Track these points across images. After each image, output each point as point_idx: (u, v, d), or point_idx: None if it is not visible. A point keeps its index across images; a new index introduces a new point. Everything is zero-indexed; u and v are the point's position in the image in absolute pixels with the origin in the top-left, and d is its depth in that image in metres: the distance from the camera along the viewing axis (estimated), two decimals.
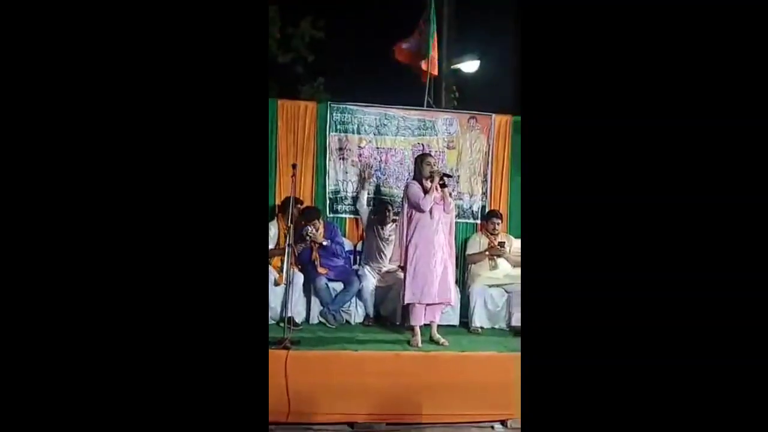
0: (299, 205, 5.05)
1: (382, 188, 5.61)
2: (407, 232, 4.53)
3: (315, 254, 5.06)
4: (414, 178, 4.65)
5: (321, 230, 5.09)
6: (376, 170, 5.60)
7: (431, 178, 4.49)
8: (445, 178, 4.55)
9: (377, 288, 5.17)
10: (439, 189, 4.49)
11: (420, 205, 4.46)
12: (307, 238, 4.97)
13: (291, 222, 4.57)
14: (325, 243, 5.05)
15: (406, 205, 4.56)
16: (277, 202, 5.29)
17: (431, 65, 5.91)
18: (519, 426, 3.88)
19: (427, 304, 4.50)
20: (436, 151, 5.53)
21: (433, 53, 5.92)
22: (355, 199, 5.50)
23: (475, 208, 5.75)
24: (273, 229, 5.07)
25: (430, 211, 4.48)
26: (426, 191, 4.46)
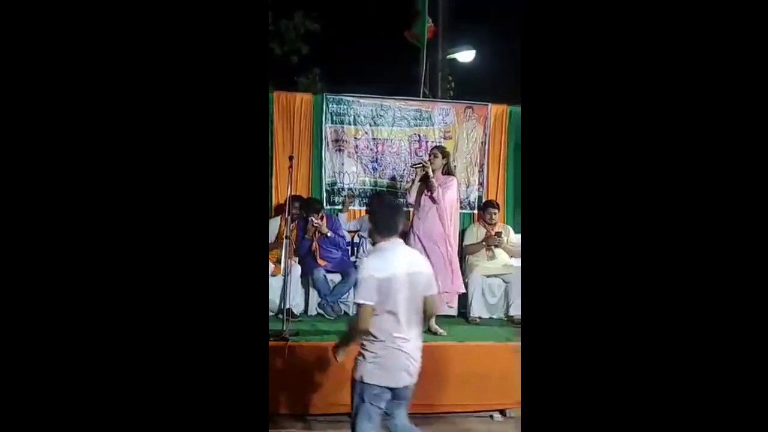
0: (297, 203, 5.06)
1: (379, 180, 5.61)
2: (410, 222, 4.69)
3: (315, 245, 5.06)
4: None
5: (324, 221, 5.10)
6: (372, 161, 5.60)
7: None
8: (426, 168, 4.54)
9: None
10: (417, 181, 4.56)
11: (406, 198, 4.74)
12: (313, 227, 4.97)
13: (289, 214, 4.57)
14: (329, 234, 5.06)
15: None
16: (274, 192, 5.29)
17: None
18: (518, 415, 3.92)
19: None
20: (432, 142, 5.52)
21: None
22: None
23: (472, 199, 5.75)
24: (274, 225, 5.07)
25: (419, 203, 4.58)
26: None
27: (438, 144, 5.25)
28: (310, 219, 4.99)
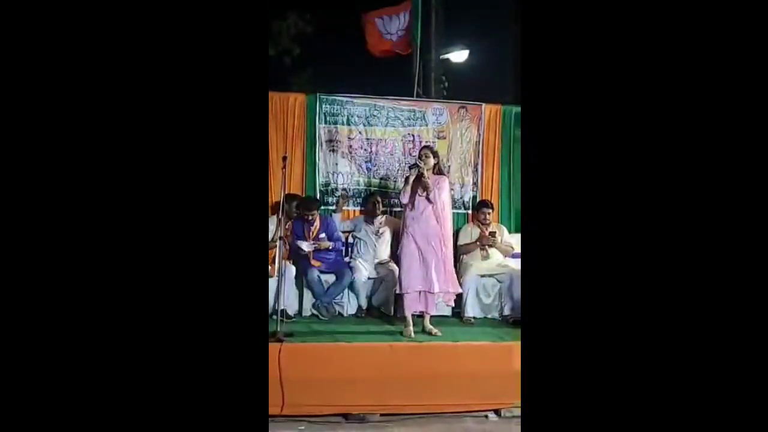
0: (295, 201, 5.06)
1: (372, 180, 5.61)
2: (403, 223, 4.66)
3: None
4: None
5: (317, 225, 5.08)
6: (366, 161, 5.60)
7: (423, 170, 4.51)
8: (421, 169, 4.50)
9: (369, 280, 5.17)
10: (411, 181, 4.51)
11: (400, 198, 4.68)
12: (301, 254, 4.96)
13: (283, 214, 4.57)
14: (330, 246, 5.05)
15: None
16: (269, 193, 5.27)
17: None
18: (513, 415, 3.92)
19: (420, 293, 4.51)
20: (425, 142, 5.51)
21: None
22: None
23: (466, 199, 5.75)
24: (271, 225, 5.05)
25: (414, 204, 4.53)
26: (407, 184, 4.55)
27: (428, 144, 5.23)
28: (298, 246, 4.96)
